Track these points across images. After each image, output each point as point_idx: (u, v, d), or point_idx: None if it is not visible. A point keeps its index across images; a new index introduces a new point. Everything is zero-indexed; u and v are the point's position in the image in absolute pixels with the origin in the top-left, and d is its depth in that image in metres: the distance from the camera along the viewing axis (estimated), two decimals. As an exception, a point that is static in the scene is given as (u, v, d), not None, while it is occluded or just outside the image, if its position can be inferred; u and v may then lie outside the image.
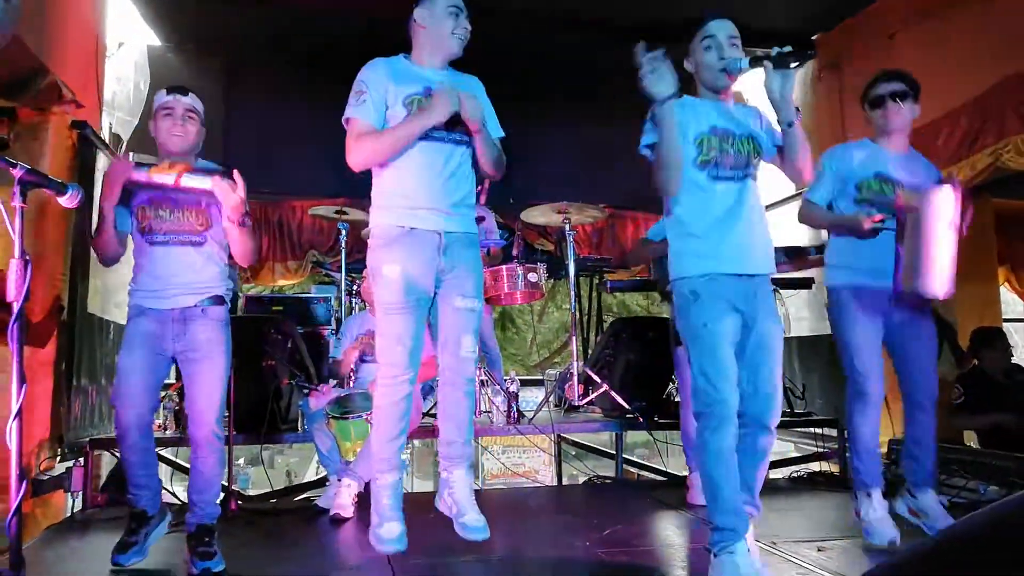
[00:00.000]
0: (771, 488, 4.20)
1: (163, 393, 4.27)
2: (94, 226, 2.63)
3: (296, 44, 5.48)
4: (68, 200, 1.93)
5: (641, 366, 4.59)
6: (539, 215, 4.61)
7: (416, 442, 5.90)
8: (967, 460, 3.53)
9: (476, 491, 2.55)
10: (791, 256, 3.79)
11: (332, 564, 2.83)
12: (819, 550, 2.68)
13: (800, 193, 3.18)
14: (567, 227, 4.49)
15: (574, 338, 4.53)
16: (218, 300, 2.67)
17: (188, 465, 2.88)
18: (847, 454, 3.24)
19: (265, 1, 5.02)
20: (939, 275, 2.60)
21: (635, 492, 4.12)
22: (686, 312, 2.35)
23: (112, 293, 4.10)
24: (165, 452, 4.43)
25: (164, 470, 4.54)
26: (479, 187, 3.85)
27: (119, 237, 2.60)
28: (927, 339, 2.90)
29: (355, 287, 4.85)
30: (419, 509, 2.82)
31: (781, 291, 4.78)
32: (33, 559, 2.64)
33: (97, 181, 3.87)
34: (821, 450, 4.63)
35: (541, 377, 5.99)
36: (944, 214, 2.60)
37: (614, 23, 4.98)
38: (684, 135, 2.34)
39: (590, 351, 5.42)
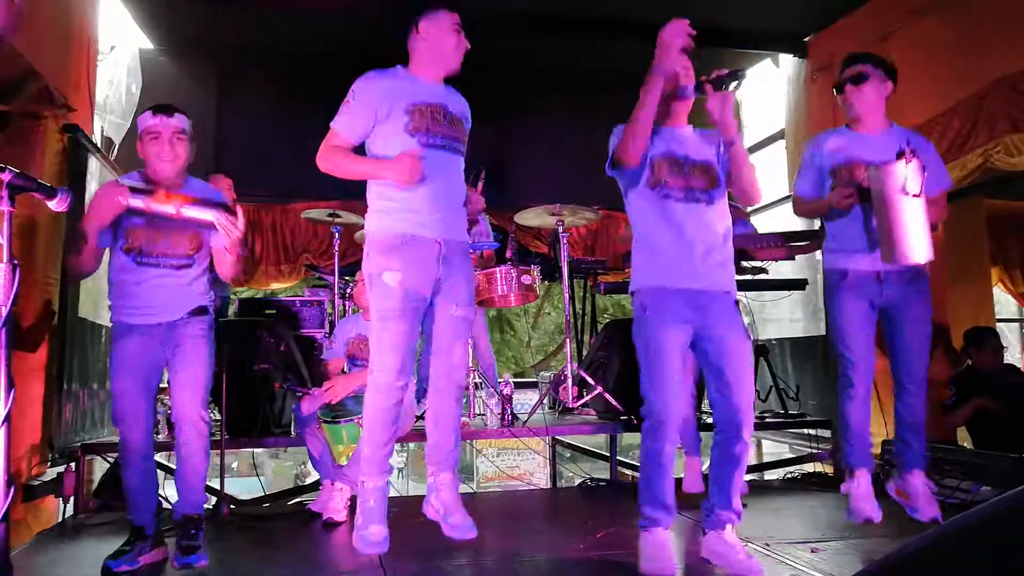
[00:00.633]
0: (765, 489, 4.21)
1: (156, 398, 4.26)
2: (75, 243, 2.54)
3: (288, 47, 5.47)
4: (57, 204, 1.92)
5: (635, 368, 4.56)
6: (533, 217, 4.60)
7: (412, 445, 5.88)
8: (961, 460, 3.54)
9: (471, 494, 2.58)
10: (789, 240, 3.86)
11: (324, 568, 2.82)
12: (813, 551, 2.68)
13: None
14: (560, 229, 4.49)
15: (568, 340, 4.52)
16: (203, 310, 2.68)
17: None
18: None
19: (257, 5, 5.02)
20: (911, 242, 2.65)
21: (630, 494, 4.09)
22: (639, 322, 2.52)
23: (103, 297, 4.07)
24: (159, 458, 4.39)
25: (160, 475, 4.52)
26: (479, 176, 3.84)
27: (98, 254, 2.58)
28: (918, 321, 2.92)
29: (348, 290, 4.84)
30: (413, 512, 2.82)
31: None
32: (23, 565, 2.63)
33: (89, 185, 3.86)
34: (815, 451, 4.64)
35: (535, 379, 5.99)
36: (896, 183, 2.64)
37: (609, 24, 4.99)
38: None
39: (584, 353, 5.42)
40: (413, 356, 2.50)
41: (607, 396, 4.15)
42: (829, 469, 4.48)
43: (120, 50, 4.89)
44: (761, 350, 5.04)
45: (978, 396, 4.21)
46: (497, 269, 4.25)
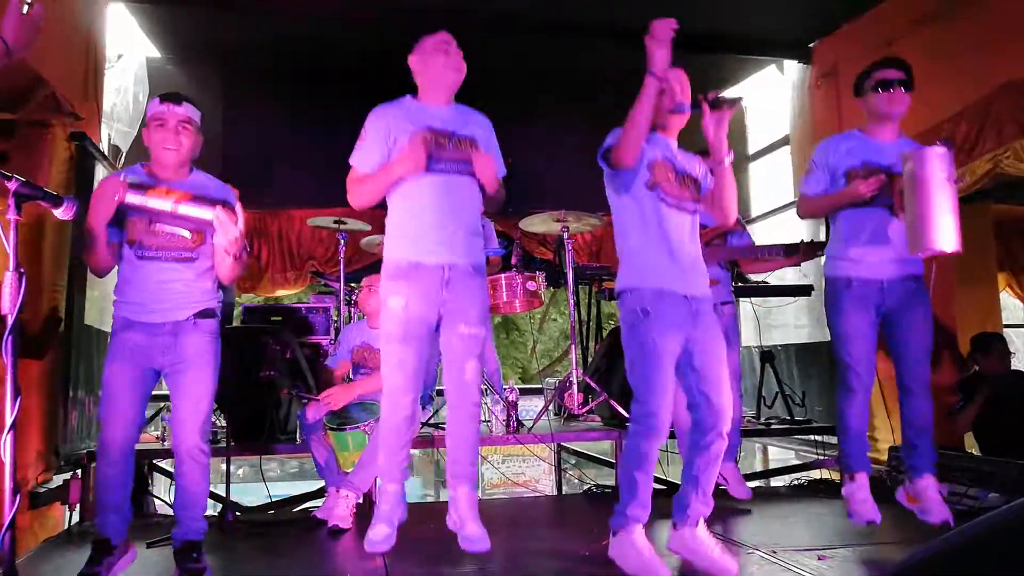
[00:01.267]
0: (772, 496, 4.19)
1: (162, 404, 4.27)
2: (86, 244, 2.48)
3: (294, 55, 5.49)
4: (63, 212, 1.93)
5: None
6: (538, 224, 4.61)
7: (416, 451, 5.88)
8: (968, 467, 3.52)
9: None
10: (789, 253, 3.83)
11: (330, 575, 2.82)
12: (820, 558, 2.67)
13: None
14: (565, 235, 4.49)
15: (573, 346, 4.52)
16: (209, 313, 2.58)
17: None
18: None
19: (264, 14, 5.04)
20: (943, 230, 2.63)
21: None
22: (636, 322, 2.50)
23: (109, 304, 4.08)
24: (163, 464, 4.41)
25: (161, 481, 4.53)
26: None
27: (111, 249, 2.49)
28: (921, 326, 2.92)
29: (353, 297, 4.84)
30: (419, 519, 2.82)
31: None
32: (29, 572, 2.63)
33: (95, 192, 3.87)
34: (821, 457, 4.62)
35: (540, 386, 5.98)
36: (939, 170, 2.64)
37: (613, 29, 4.99)
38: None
39: (590, 359, 5.41)
40: (421, 374, 2.60)
41: (612, 402, 4.14)
42: (836, 475, 4.46)
43: (127, 58, 4.91)
44: (767, 356, 5.03)
45: (981, 393, 4.18)
46: (502, 275, 4.26)
